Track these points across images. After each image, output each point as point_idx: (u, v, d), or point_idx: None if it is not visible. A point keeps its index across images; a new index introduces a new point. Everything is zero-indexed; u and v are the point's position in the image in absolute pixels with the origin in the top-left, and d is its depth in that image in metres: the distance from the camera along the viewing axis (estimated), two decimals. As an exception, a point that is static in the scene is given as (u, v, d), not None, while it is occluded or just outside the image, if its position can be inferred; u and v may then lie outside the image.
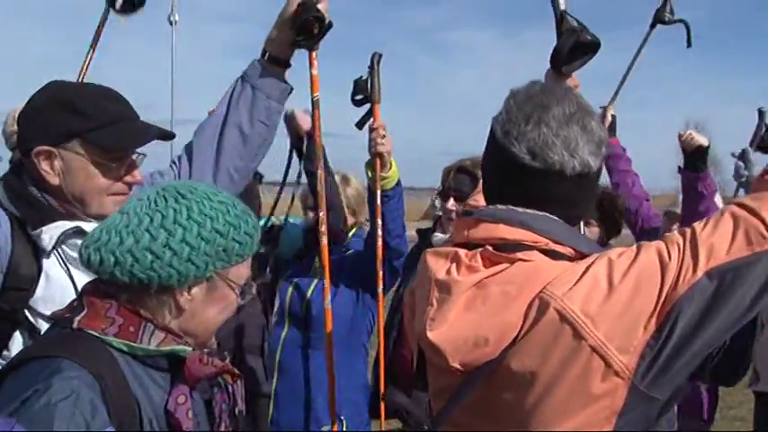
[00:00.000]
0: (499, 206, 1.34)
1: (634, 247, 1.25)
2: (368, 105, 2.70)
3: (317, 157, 2.37)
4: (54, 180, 1.64)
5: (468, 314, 1.27)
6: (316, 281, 2.90)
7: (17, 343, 1.60)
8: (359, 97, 2.66)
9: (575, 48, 1.95)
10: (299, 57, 2.08)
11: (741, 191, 3.82)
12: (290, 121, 2.76)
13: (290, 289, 2.96)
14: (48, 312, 1.57)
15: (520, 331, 1.21)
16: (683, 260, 1.17)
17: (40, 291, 1.61)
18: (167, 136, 1.81)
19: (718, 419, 3.89)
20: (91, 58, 2.77)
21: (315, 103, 2.24)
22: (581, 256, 1.29)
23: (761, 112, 3.09)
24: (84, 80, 2.64)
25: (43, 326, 1.59)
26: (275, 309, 3.02)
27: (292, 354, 2.93)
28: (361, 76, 2.66)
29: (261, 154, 2.07)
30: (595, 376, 1.17)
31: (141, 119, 1.78)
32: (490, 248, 1.29)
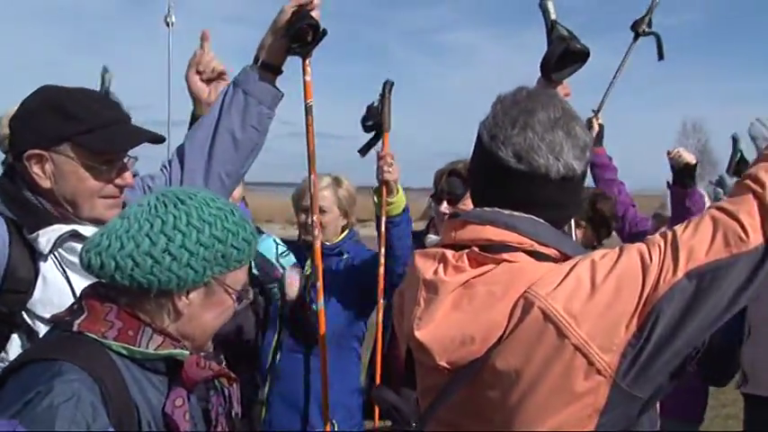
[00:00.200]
0: (486, 208, 1.37)
1: (617, 248, 1.28)
2: (374, 131, 2.78)
3: (311, 164, 2.39)
4: (45, 183, 1.67)
5: (454, 313, 1.30)
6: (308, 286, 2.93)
7: (15, 345, 1.62)
8: (369, 123, 2.71)
9: (564, 56, 1.98)
10: (292, 63, 2.11)
11: None
12: None
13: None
14: (45, 315, 1.59)
15: (505, 330, 1.23)
16: (663, 261, 1.21)
17: (37, 293, 1.63)
18: (158, 139, 1.83)
19: (711, 417, 3.92)
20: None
21: (308, 110, 2.26)
22: (565, 257, 1.32)
23: (734, 140, 3.13)
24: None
25: (41, 328, 1.61)
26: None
27: (284, 358, 2.95)
28: (373, 102, 2.71)
29: (252, 159, 2.09)
30: (578, 374, 1.20)
31: (134, 121, 1.81)
32: (476, 249, 1.32)
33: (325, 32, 2.01)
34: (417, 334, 1.31)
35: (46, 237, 1.64)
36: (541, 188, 1.34)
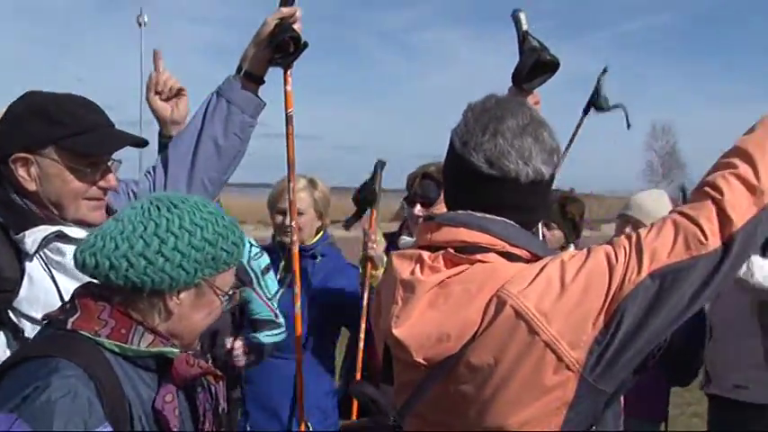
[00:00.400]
0: (459, 212, 1.43)
1: (585, 250, 1.36)
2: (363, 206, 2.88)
3: (291, 171, 2.44)
4: (31, 186, 1.71)
5: (431, 311, 1.36)
6: (283, 289, 2.97)
7: (0, 343, 1.65)
8: (360, 197, 2.78)
9: (535, 66, 2.06)
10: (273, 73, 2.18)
11: None
12: None
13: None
14: (31, 313, 1.64)
15: (479, 327, 1.30)
16: (628, 262, 1.28)
17: (23, 292, 1.67)
18: (140, 143, 1.89)
19: (676, 416, 4.00)
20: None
21: (288, 119, 2.32)
22: (536, 258, 1.39)
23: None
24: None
25: (26, 326, 1.65)
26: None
27: None
28: (366, 181, 2.79)
29: (234, 165, 2.16)
30: (548, 369, 1.27)
31: (115, 124, 1.85)
32: (451, 251, 1.39)
33: (306, 45, 2.08)
34: (395, 331, 1.37)
35: (32, 237, 1.68)
36: (512, 192, 1.41)
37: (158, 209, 1.37)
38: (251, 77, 2.09)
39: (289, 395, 2.91)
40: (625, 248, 1.31)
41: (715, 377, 3.30)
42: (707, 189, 1.32)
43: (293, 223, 2.51)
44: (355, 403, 2.80)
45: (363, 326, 2.86)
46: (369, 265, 2.83)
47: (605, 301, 1.27)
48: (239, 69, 2.10)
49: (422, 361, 1.36)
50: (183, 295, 1.39)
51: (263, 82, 2.13)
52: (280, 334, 2.86)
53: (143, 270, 1.32)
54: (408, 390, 1.40)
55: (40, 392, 1.21)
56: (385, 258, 2.79)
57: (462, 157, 1.42)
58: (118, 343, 1.34)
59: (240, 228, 1.47)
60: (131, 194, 2.06)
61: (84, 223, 1.78)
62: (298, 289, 2.54)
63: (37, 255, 1.69)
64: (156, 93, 2.24)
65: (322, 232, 3.16)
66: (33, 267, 1.69)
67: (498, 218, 1.41)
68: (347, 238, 3.03)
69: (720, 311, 3.19)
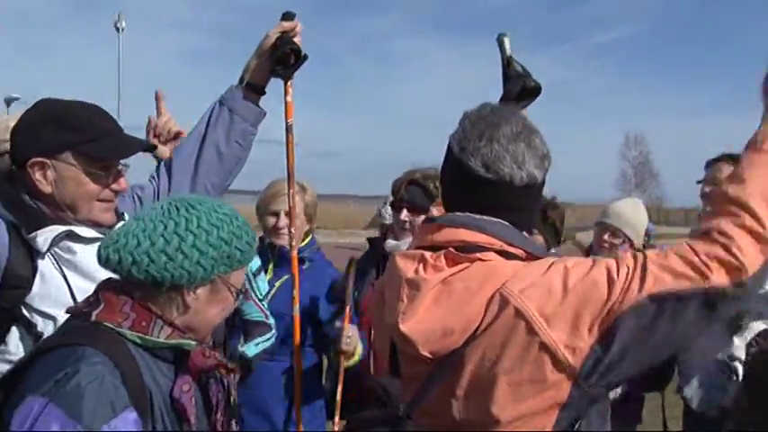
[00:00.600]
0: (458, 213, 1.53)
1: (589, 260, 1.44)
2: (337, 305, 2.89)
3: (291, 179, 2.50)
4: (47, 189, 1.80)
5: (435, 308, 1.45)
6: (273, 290, 3.02)
7: (14, 337, 1.73)
8: (333, 296, 2.83)
9: (521, 92, 2.15)
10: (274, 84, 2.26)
11: None
12: None
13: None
14: (43, 309, 1.73)
15: (481, 323, 1.39)
16: (631, 279, 1.35)
17: (35, 289, 1.75)
18: (150, 148, 2.00)
19: (652, 419, 4.07)
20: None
21: (289, 128, 2.38)
22: (531, 256, 1.49)
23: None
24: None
25: (38, 321, 1.73)
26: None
27: None
28: (337, 279, 2.84)
29: (235, 172, 2.26)
30: (545, 369, 1.36)
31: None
32: (453, 250, 1.48)
33: (306, 57, 2.18)
34: (402, 327, 1.46)
35: (43, 236, 1.77)
36: (507, 194, 1.50)
37: (178, 209, 1.45)
38: (253, 88, 2.19)
39: (280, 397, 2.96)
40: (629, 266, 1.37)
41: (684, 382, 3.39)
42: (715, 235, 1.35)
43: (293, 230, 2.56)
44: (339, 405, 2.86)
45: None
46: (342, 359, 2.86)
47: (602, 312, 1.33)
48: (241, 80, 2.19)
49: (428, 355, 1.44)
50: (199, 291, 1.47)
51: (265, 92, 2.23)
52: (269, 339, 2.87)
53: (163, 266, 1.40)
54: (416, 383, 1.48)
55: (70, 378, 1.29)
56: (360, 347, 2.84)
57: (460, 161, 1.51)
58: (139, 334, 1.42)
59: (252, 229, 1.55)
60: (136, 198, 2.15)
61: (96, 223, 1.87)
62: (296, 292, 2.57)
63: (48, 253, 1.78)
64: (155, 135, 2.32)
65: (310, 236, 3.22)
66: (45, 265, 1.77)
67: (495, 219, 1.50)
68: (328, 243, 3.07)
69: None
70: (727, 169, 3.31)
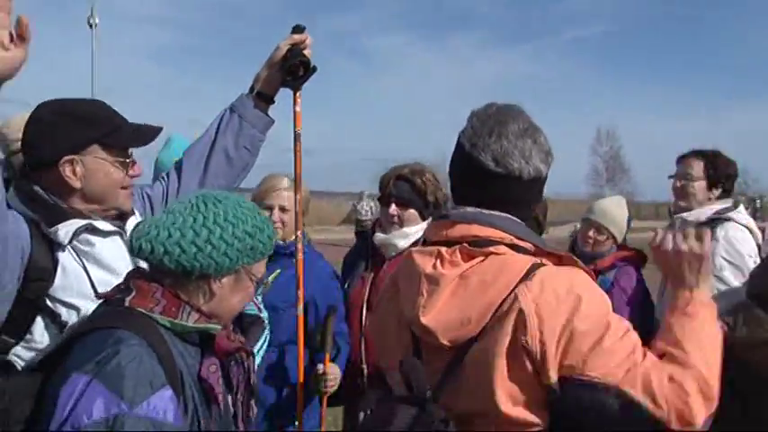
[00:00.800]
0: (468, 209, 1.63)
1: (609, 308, 1.51)
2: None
3: (298, 185, 2.58)
4: (77, 184, 1.89)
5: (453, 300, 1.55)
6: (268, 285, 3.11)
7: (39, 326, 1.81)
8: (313, 342, 2.87)
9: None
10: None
11: None
12: None
13: None
14: (66, 299, 1.82)
15: (493, 316, 1.49)
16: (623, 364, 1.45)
17: (58, 281, 1.83)
18: (159, 131, 2.07)
19: None
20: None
21: (297, 137, 2.48)
22: (539, 249, 1.60)
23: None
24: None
25: (62, 311, 1.82)
26: None
27: None
28: (316, 325, 2.88)
29: (243, 176, 2.36)
30: (527, 368, 1.47)
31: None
32: (467, 245, 1.59)
33: (315, 69, 2.29)
34: (423, 320, 1.56)
35: (65, 230, 1.86)
36: (515, 188, 1.60)
37: (205, 204, 1.56)
38: (263, 97, 2.30)
39: (274, 388, 3.01)
40: (630, 350, 1.47)
41: None
42: (674, 386, 1.43)
43: (298, 233, 2.64)
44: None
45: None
46: (324, 401, 2.96)
47: (579, 356, 1.45)
48: (251, 89, 2.30)
49: (447, 343, 1.54)
50: (224, 280, 1.58)
51: (274, 102, 2.34)
52: (265, 341, 2.88)
53: (193, 256, 1.51)
54: (439, 373, 1.58)
55: (111, 358, 1.38)
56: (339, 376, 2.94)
57: (471, 155, 1.61)
58: (169, 319, 1.52)
59: (271, 224, 1.66)
60: (145, 197, 2.25)
61: (121, 211, 1.98)
62: (301, 293, 2.64)
63: (69, 246, 1.86)
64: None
65: (300, 231, 3.31)
66: (65, 258, 1.86)
67: (504, 214, 1.61)
68: (318, 239, 3.14)
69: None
70: (696, 165, 3.49)
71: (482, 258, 1.57)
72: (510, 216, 1.62)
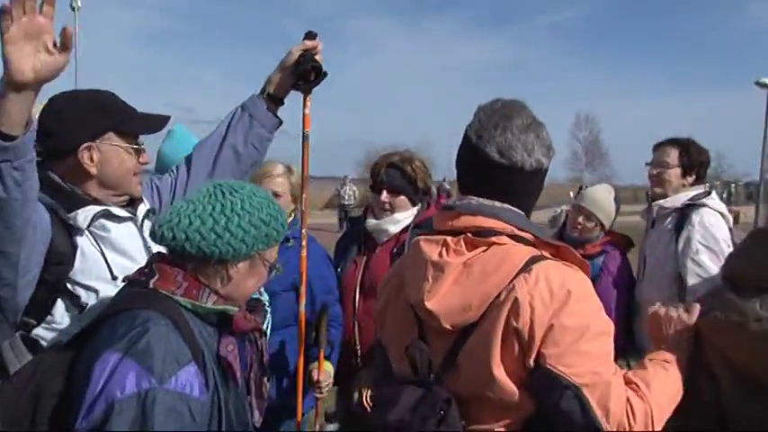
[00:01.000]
0: (472, 200, 1.73)
1: (597, 310, 1.63)
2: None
3: (305, 184, 2.66)
4: (93, 170, 1.99)
5: (456, 287, 1.66)
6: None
7: (59, 308, 1.91)
8: (310, 341, 2.94)
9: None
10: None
11: None
12: None
13: None
14: (86, 282, 1.92)
15: (494, 301, 1.61)
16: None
17: (77, 264, 1.92)
18: (168, 119, 2.18)
19: None
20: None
21: (305, 137, 2.58)
22: (538, 239, 1.70)
23: None
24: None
25: (81, 293, 1.91)
26: None
27: None
28: (312, 320, 2.95)
29: (251, 172, 2.48)
30: (515, 351, 1.59)
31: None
32: (470, 235, 1.69)
33: (325, 74, 2.40)
34: (427, 304, 1.67)
35: (83, 215, 1.96)
36: (518, 178, 1.71)
37: (223, 193, 1.66)
38: (273, 99, 2.41)
39: (274, 371, 3.07)
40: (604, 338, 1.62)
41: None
42: (626, 408, 1.59)
43: (303, 230, 2.72)
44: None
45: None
46: (318, 409, 3.06)
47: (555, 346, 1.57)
48: (263, 90, 2.41)
49: (449, 327, 1.66)
50: (240, 265, 1.68)
51: (283, 103, 2.45)
52: (268, 322, 2.92)
53: (213, 242, 1.61)
54: (441, 355, 1.69)
55: (141, 336, 1.49)
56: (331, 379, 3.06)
57: (477, 147, 1.71)
58: (190, 301, 1.63)
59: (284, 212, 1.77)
60: (154, 187, 2.35)
61: (133, 197, 2.08)
62: (303, 288, 2.73)
63: (86, 231, 1.96)
64: None
65: (293, 215, 3.41)
66: (84, 242, 1.96)
67: (506, 205, 1.71)
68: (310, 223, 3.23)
69: (647, 292, 3.56)
70: (672, 153, 3.65)
71: (485, 248, 1.67)
72: (512, 207, 1.72)
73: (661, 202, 3.64)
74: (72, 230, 1.94)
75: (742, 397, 1.73)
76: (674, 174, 3.64)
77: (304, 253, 2.71)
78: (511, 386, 1.61)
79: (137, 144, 2.06)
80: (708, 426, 1.79)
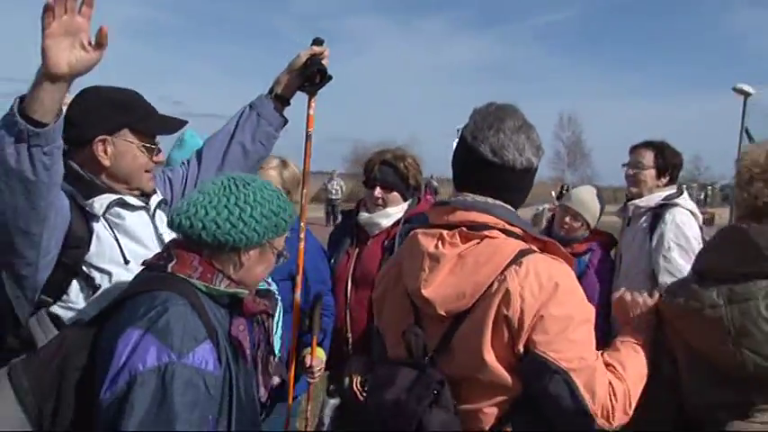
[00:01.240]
0: (467, 196, 1.86)
1: (581, 301, 1.77)
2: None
3: (306, 180, 2.81)
4: (106, 162, 2.11)
5: (451, 277, 1.80)
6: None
7: (74, 289, 2.03)
8: (304, 328, 3.02)
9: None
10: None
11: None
12: None
13: None
14: (101, 265, 2.04)
15: (486, 290, 1.74)
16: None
17: (93, 248, 2.04)
18: (184, 123, 2.31)
19: None
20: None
21: (308, 136, 2.73)
22: (526, 234, 1.84)
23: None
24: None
25: (96, 275, 2.03)
26: None
27: None
28: (305, 309, 3.02)
29: (256, 167, 2.63)
30: (504, 336, 1.73)
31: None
32: (465, 229, 1.82)
33: (330, 77, 2.55)
34: (424, 292, 1.81)
35: (99, 202, 2.08)
36: (509, 176, 1.84)
37: (237, 186, 1.79)
38: (280, 99, 2.56)
39: None
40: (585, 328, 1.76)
41: None
42: (609, 390, 1.75)
43: (302, 223, 2.83)
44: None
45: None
46: (310, 393, 3.19)
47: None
48: (271, 90, 2.56)
49: (444, 314, 1.79)
50: (251, 252, 1.81)
51: (290, 103, 2.60)
52: (279, 311, 3.00)
53: (227, 231, 1.74)
54: (435, 339, 1.82)
55: (161, 314, 1.61)
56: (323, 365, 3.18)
57: (472, 147, 1.85)
58: (205, 284, 1.75)
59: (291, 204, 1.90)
60: (167, 179, 2.49)
61: (143, 191, 2.20)
62: (300, 278, 2.86)
63: (102, 218, 2.08)
64: None
65: None
66: (99, 228, 2.08)
67: (498, 202, 1.85)
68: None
69: (623, 288, 3.76)
70: (647, 155, 3.84)
71: (478, 241, 1.81)
72: (503, 204, 1.86)
73: (636, 201, 3.84)
74: (89, 216, 2.06)
75: (698, 380, 1.88)
76: (650, 175, 3.84)
77: (302, 245, 2.84)
78: (500, 369, 1.75)
79: (152, 143, 2.18)
80: (668, 404, 1.93)
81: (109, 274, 2.04)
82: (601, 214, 4.10)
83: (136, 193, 2.20)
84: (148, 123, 2.17)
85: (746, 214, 1.90)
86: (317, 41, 2.55)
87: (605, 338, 3.83)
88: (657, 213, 3.69)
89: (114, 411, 1.53)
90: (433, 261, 1.84)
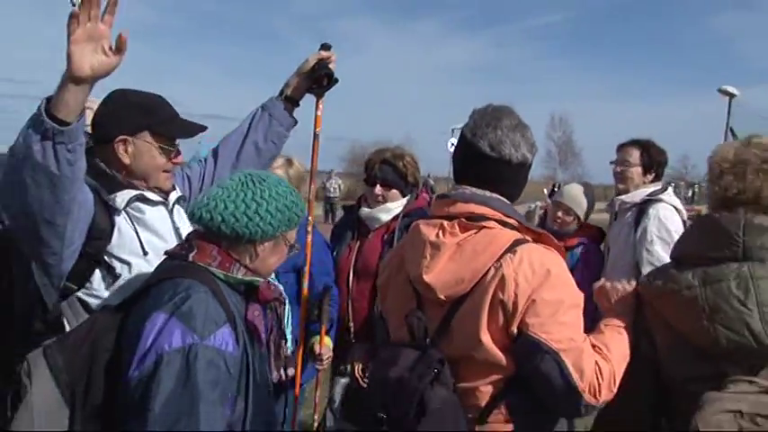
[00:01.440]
0: (466, 189, 2.00)
1: (571, 286, 1.90)
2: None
3: (312, 179, 2.95)
4: (126, 161, 2.25)
5: (450, 264, 1.93)
6: None
7: (97, 278, 2.16)
8: (313, 317, 3.13)
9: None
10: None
11: None
12: None
13: None
14: (121, 256, 2.18)
15: (484, 276, 1.87)
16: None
17: (114, 240, 2.18)
18: (203, 129, 2.44)
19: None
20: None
21: (316, 136, 2.87)
22: (521, 225, 1.97)
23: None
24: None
25: (117, 265, 2.17)
26: None
27: None
28: (314, 304, 3.12)
29: (268, 165, 2.79)
30: (499, 319, 1.87)
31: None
32: (464, 220, 1.96)
33: (337, 81, 2.71)
34: (425, 277, 1.95)
35: (121, 197, 2.22)
36: (505, 170, 1.99)
37: (253, 182, 1.92)
38: (290, 100, 2.72)
39: None
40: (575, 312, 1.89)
41: None
42: (596, 369, 1.87)
43: (310, 218, 2.96)
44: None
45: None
46: (318, 379, 3.31)
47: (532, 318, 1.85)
48: (281, 92, 2.72)
49: (444, 298, 1.93)
50: (266, 244, 1.94)
51: (299, 105, 2.76)
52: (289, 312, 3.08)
53: (245, 224, 1.87)
54: (436, 321, 1.95)
55: (185, 300, 1.74)
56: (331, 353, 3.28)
57: (471, 142, 1.99)
58: (224, 272, 1.89)
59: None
60: (185, 176, 2.63)
61: (160, 190, 2.34)
62: (308, 268, 2.99)
63: (123, 212, 2.22)
64: None
65: None
66: (121, 221, 2.21)
67: (495, 195, 1.99)
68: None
69: (610, 279, 3.92)
70: (634, 153, 4.01)
71: (476, 231, 1.95)
72: (500, 197, 2.00)
73: (622, 197, 4.02)
74: (111, 210, 2.19)
75: (676, 355, 2.01)
76: (636, 172, 4.01)
77: (309, 238, 2.98)
78: (495, 350, 1.89)
79: (170, 145, 2.31)
80: (647, 383, 2.07)
81: (128, 264, 2.18)
82: (591, 207, 4.26)
83: (154, 191, 2.33)
84: (168, 126, 2.30)
85: (718, 205, 2.04)
86: (325, 46, 2.70)
87: (594, 324, 4.06)
88: (642, 208, 3.85)
89: (142, 389, 1.66)
90: (434, 249, 1.97)
